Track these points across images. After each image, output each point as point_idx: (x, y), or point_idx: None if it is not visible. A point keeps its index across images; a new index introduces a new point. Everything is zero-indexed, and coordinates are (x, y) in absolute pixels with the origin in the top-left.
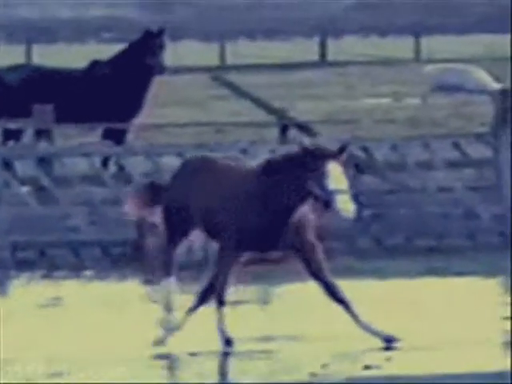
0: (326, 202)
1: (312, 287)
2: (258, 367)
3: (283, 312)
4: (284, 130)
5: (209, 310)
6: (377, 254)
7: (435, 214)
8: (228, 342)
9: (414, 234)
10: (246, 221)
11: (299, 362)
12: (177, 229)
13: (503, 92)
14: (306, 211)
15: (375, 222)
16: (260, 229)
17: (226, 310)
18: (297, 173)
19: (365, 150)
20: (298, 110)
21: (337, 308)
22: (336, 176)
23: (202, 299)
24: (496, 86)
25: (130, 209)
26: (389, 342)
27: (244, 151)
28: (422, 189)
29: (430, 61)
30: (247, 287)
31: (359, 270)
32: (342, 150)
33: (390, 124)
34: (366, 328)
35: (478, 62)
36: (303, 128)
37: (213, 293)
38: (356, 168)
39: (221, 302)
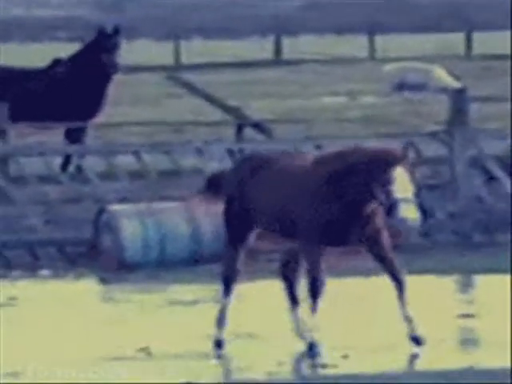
0: (389, 210)
1: (269, 286)
2: (215, 367)
3: (240, 311)
4: (240, 128)
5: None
6: None
7: None
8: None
9: None
10: (321, 216)
11: (255, 360)
12: (238, 231)
13: (459, 91)
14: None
15: None
16: (333, 223)
17: (183, 309)
18: (362, 175)
19: (319, 148)
20: (254, 109)
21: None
22: (402, 183)
23: (315, 295)
24: (456, 84)
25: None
26: (416, 342)
27: (200, 150)
28: None
29: (385, 59)
30: (203, 286)
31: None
32: (405, 153)
33: (345, 123)
34: (406, 318)
35: (432, 60)
36: (259, 127)
37: (321, 285)
38: None
39: (318, 295)
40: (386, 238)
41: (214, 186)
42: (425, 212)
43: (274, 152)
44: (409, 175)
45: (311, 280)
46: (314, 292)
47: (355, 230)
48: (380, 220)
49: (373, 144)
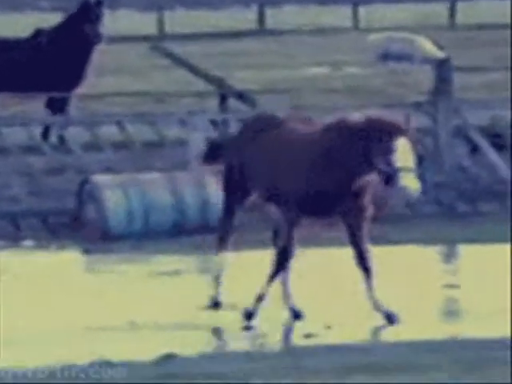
0: (388, 179)
1: (252, 256)
2: (199, 337)
3: (223, 280)
4: (223, 99)
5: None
6: None
7: None
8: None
9: None
10: (308, 186)
11: (239, 331)
12: (235, 194)
13: (443, 61)
14: (366, 178)
15: None
16: (321, 195)
17: (166, 279)
18: (363, 144)
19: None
20: (237, 79)
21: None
22: (403, 153)
23: (280, 265)
24: (440, 54)
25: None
26: (390, 320)
27: (183, 121)
28: None
29: (369, 29)
30: (186, 257)
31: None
32: (408, 124)
33: (329, 93)
34: (375, 304)
35: (415, 30)
36: (242, 97)
37: (289, 256)
38: None
39: (283, 266)
40: (366, 220)
41: (214, 152)
42: (424, 183)
43: (281, 115)
44: (410, 145)
45: (281, 249)
46: (279, 262)
47: (341, 203)
48: (367, 198)
49: (362, 114)
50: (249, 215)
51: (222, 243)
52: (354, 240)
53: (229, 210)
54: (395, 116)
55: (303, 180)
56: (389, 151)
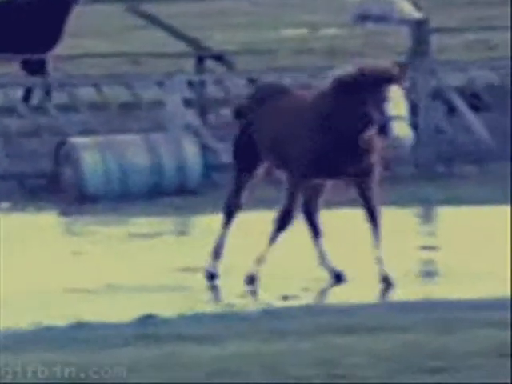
0: (382, 127)
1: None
2: (177, 299)
3: (200, 243)
4: (201, 60)
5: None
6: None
7: None
8: None
9: None
10: (314, 148)
11: (218, 293)
12: (246, 163)
13: (421, 22)
14: (372, 136)
15: None
16: (328, 156)
17: (144, 241)
18: (357, 97)
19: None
20: (215, 41)
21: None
22: (396, 100)
23: (280, 227)
24: (418, 16)
25: None
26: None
27: (160, 82)
28: None
29: None
30: (164, 218)
31: (274, 200)
32: (403, 72)
33: (307, 54)
34: (378, 261)
35: None
36: (220, 58)
37: (290, 219)
38: None
39: (283, 228)
40: (375, 178)
41: (239, 115)
42: (416, 130)
43: (291, 83)
44: (403, 93)
45: (283, 212)
46: (280, 224)
47: (350, 163)
48: (375, 157)
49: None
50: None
51: (228, 219)
52: (364, 200)
53: (239, 181)
54: (388, 63)
55: (307, 143)
56: (381, 99)
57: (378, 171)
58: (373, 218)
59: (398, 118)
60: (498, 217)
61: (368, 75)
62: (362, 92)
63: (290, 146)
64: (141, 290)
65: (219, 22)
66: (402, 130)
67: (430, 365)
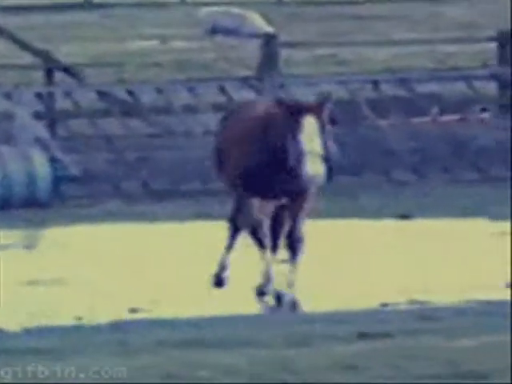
0: (295, 161)
1: (79, 230)
2: (23, 311)
3: (48, 256)
4: (49, 72)
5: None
6: (143, 198)
7: (201, 158)
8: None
9: (179, 178)
10: (249, 167)
11: (64, 305)
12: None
13: (270, 36)
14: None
15: (141, 166)
16: (260, 176)
17: None
18: (280, 128)
19: (130, 93)
20: (64, 53)
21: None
22: (309, 132)
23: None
24: (269, 29)
25: None
26: (279, 301)
27: (9, 94)
28: (187, 132)
29: (197, 4)
30: (13, 231)
31: (126, 213)
32: (321, 104)
33: (156, 67)
34: (266, 287)
35: (246, 5)
36: (69, 71)
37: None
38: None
39: (233, 238)
40: (307, 203)
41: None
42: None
43: (246, 101)
44: (320, 127)
45: (231, 221)
46: (230, 232)
47: (279, 183)
48: (308, 180)
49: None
50: None
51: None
52: (293, 219)
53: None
54: (316, 102)
55: (246, 160)
56: (296, 131)
57: (311, 195)
58: (291, 237)
59: (311, 153)
60: (346, 230)
61: (288, 107)
62: (282, 122)
63: (234, 162)
64: None
65: (68, 34)
66: (312, 164)
67: (279, 378)
